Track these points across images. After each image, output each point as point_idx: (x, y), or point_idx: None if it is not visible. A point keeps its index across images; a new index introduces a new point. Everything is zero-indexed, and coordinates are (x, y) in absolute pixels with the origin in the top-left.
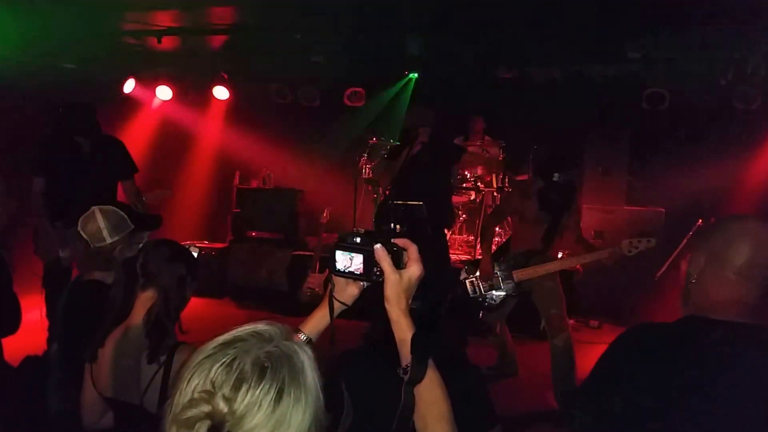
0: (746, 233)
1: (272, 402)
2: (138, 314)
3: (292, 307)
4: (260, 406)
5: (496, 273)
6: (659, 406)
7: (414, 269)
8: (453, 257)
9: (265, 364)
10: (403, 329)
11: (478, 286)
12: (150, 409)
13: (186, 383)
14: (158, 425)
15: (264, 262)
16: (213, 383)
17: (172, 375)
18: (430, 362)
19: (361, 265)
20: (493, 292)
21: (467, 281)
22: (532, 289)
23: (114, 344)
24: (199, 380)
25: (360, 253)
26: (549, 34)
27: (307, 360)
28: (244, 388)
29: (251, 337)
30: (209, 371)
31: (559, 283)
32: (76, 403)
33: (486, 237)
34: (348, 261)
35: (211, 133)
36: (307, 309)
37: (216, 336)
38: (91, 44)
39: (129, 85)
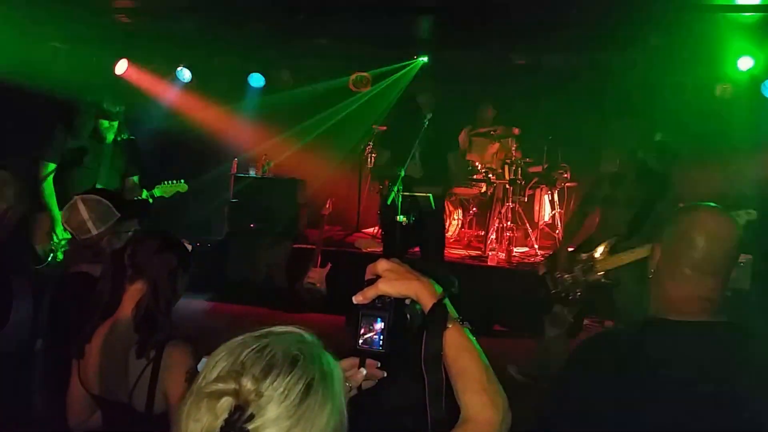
0: (699, 225)
1: (300, 394)
2: (126, 308)
3: (292, 304)
4: (287, 395)
5: (579, 265)
6: (619, 417)
7: (378, 266)
8: (462, 253)
9: (297, 357)
10: (424, 303)
11: (560, 281)
12: (138, 407)
13: (213, 365)
14: (146, 425)
15: (262, 256)
16: (243, 364)
17: (162, 371)
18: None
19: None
20: (576, 285)
21: (547, 277)
22: (619, 282)
23: (102, 339)
24: (227, 363)
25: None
26: (565, 18)
27: (337, 372)
28: (274, 373)
29: (285, 333)
30: (239, 355)
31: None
32: (62, 401)
33: (571, 227)
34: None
35: (206, 117)
36: (307, 305)
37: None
38: (81, 22)
39: (121, 66)
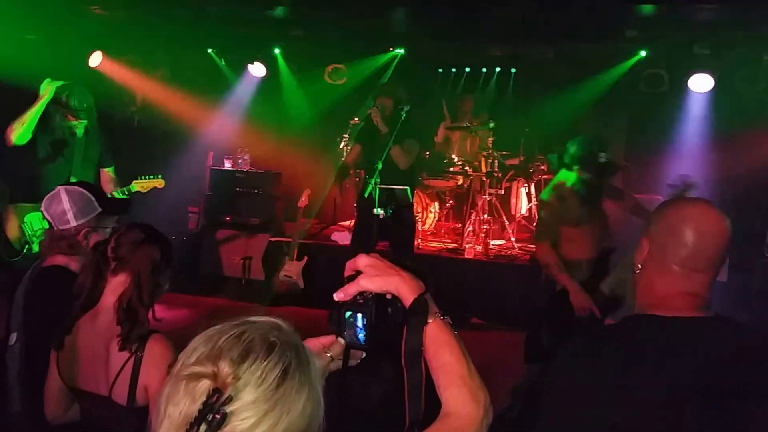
0: (689, 220)
1: (277, 379)
2: (108, 300)
3: (269, 297)
4: (264, 379)
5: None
6: (608, 415)
7: (358, 261)
8: (439, 246)
9: (274, 343)
10: (405, 298)
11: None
12: (118, 401)
13: (192, 351)
14: (126, 418)
15: (239, 249)
16: (221, 348)
17: (143, 365)
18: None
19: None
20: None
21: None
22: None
23: (82, 331)
24: (205, 348)
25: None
26: (542, 9)
27: (314, 361)
28: (251, 358)
29: (262, 321)
30: (218, 341)
31: None
32: (39, 396)
33: (556, 262)
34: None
35: (181, 110)
36: (284, 299)
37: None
38: (55, 14)
39: (95, 59)
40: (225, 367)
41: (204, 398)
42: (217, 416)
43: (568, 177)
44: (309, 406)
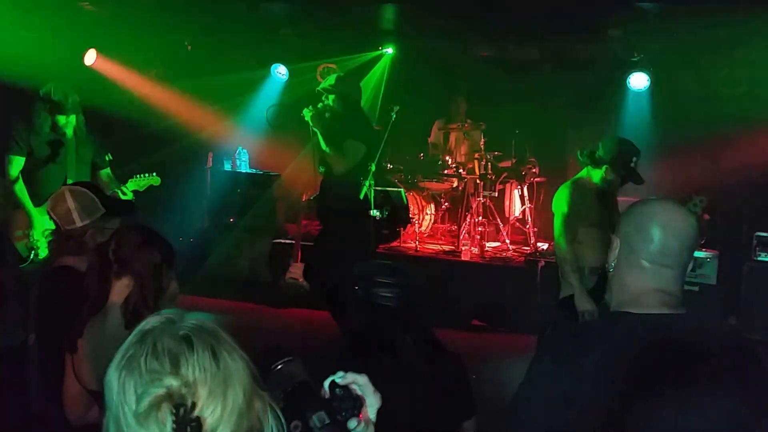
0: (656, 217)
1: (212, 361)
2: (115, 303)
3: (277, 299)
4: (205, 369)
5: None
6: (581, 409)
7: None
8: (436, 248)
9: (187, 335)
10: None
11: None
12: None
13: (123, 391)
14: None
15: (244, 251)
16: (151, 371)
17: None
18: None
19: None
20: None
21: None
22: None
23: (93, 334)
24: (134, 379)
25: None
26: (527, 8)
27: (214, 325)
28: (182, 360)
29: (157, 326)
30: (140, 368)
31: None
32: (57, 396)
33: (569, 262)
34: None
35: (181, 111)
36: (291, 301)
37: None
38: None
39: (90, 57)
40: (172, 381)
41: (172, 418)
42: (193, 424)
43: (592, 175)
44: (243, 362)
